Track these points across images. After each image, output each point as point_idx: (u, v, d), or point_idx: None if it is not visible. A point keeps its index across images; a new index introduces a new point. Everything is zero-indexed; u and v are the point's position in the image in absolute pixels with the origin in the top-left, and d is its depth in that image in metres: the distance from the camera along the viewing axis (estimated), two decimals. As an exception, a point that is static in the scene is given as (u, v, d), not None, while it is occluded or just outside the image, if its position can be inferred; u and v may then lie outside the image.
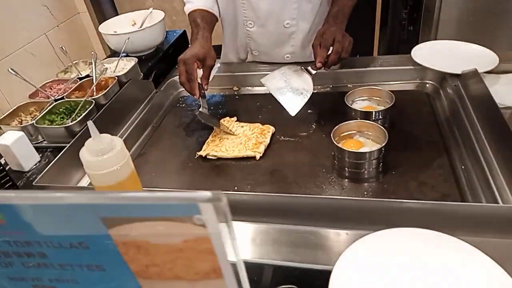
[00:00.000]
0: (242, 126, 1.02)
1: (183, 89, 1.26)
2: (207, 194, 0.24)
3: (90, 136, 0.59)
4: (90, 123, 0.58)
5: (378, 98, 1.00)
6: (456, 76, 1.01)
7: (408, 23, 2.08)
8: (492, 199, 0.70)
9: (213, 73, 1.06)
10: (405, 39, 2.12)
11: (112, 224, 0.26)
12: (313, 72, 1.00)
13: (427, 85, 1.10)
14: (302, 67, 1.03)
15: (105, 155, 0.59)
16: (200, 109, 1.04)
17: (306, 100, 0.97)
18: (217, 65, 1.10)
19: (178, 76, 1.01)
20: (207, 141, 0.98)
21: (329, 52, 0.98)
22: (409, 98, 1.06)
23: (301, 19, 1.18)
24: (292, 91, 1.00)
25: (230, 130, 1.00)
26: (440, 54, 1.11)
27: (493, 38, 1.90)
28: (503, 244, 0.58)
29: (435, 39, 1.94)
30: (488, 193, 0.72)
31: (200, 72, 1.02)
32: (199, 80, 1.01)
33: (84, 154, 0.60)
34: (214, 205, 0.24)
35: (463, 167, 0.81)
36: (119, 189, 0.62)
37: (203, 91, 1.03)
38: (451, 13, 1.91)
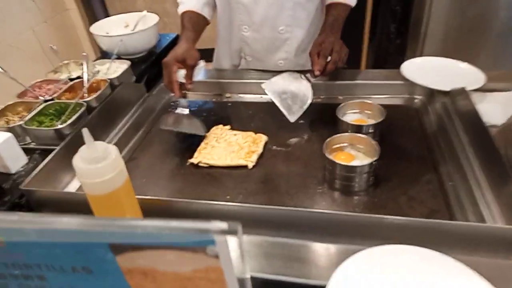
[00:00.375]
0: (235, 135, 1.02)
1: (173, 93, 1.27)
2: (223, 225, 0.24)
3: (81, 139, 0.58)
4: (85, 130, 0.57)
5: (369, 112, 1.02)
6: (444, 93, 1.04)
7: (396, 37, 2.13)
8: (479, 216, 0.72)
9: (198, 72, 1.07)
10: (392, 52, 2.16)
11: (120, 251, 0.25)
12: (312, 80, 1.03)
13: (416, 100, 1.12)
14: (302, 75, 1.05)
15: (100, 163, 0.58)
16: (177, 110, 1.04)
17: (305, 107, 1.00)
18: (201, 64, 1.11)
19: None
20: (198, 148, 0.98)
21: (327, 60, 1.01)
22: (398, 113, 1.08)
23: (296, 26, 1.19)
24: (292, 98, 1.04)
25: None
26: (429, 71, 1.13)
27: (476, 55, 1.96)
28: (494, 264, 0.60)
29: (422, 53, 2.00)
30: (475, 210, 0.74)
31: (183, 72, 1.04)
32: (183, 80, 1.03)
33: (78, 161, 0.59)
34: (230, 237, 0.24)
35: (450, 183, 0.83)
36: (112, 198, 0.61)
37: (184, 92, 1.04)
38: (438, 29, 1.96)
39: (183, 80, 1.03)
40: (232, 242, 0.25)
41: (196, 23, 1.14)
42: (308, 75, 1.04)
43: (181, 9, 1.16)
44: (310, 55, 1.04)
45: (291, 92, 1.03)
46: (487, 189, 0.76)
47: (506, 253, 0.63)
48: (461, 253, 0.62)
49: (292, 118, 0.99)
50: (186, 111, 1.04)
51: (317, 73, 1.01)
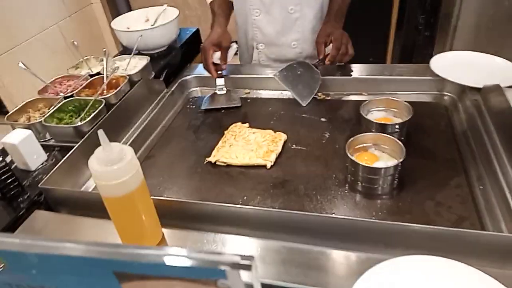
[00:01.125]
0: (254, 133, 0.99)
1: (194, 89, 1.26)
2: (236, 258, 0.22)
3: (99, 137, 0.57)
4: (100, 132, 0.56)
5: (395, 110, 0.97)
6: (476, 90, 0.98)
7: (425, 29, 2.03)
8: (511, 225, 0.67)
9: (231, 54, 1.16)
10: (420, 44, 2.07)
11: (126, 279, 0.24)
12: (319, 68, 1.12)
13: (445, 98, 1.06)
14: (310, 63, 1.12)
15: (115, 165, 0.57)
16: (216, 91, 1.16)
17: (315, 91, 1.09)
18: (234, 46, 1.17)
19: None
20: (216, 147, 0.96)
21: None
22: (426, 110, 1.03)
23: (305, 5, 1.21)
24: (303, 84, 1.11)
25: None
26: (460, 66, 1.07)
27: (510, 49, 1.85)
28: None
29: (452, 47, 1.91)
30: (508, 218, 0.69)
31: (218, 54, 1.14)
32: (218, 62, 1.14)
33: (93, 163, 0.58)
34: (243, 271, 0.22)
35: (481, 187, 0.78)
36: (128, 200, 0.60)
37: (220, 72, 1.16)
38: (470, 20, 1.86)
39: (219, 62, 1.14)
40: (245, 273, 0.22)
41: (226, 9, 1.23)
42: (316, 62, 1.12)
43: None
44: (316, 44, 1.14)
45: (301, 78, 1.10)
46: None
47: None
48: (491, 265, 0.58)
49: (304, 102, 1.08)
50: (223, 91, 1.17)
51: (327, 62, 1.12)
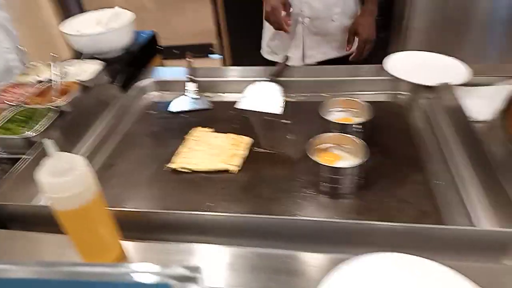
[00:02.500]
0: (217, 137, 0.97)
1: (153, 93, 1.23)
2: (182, 271, 0.20)
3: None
4: (46, 142, 0.52)
5: (355, 110, 0.99)
6: (430, 88, 1.02)
7: (379, 30, 2.10)
8: (467, 217, 0.70)
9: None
10: (375, 46, 2.14)
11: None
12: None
13: (401, 97, 1.10)
14: (266, 80, 1.11)
15: (66, 176, 0.53)
16: (186, 94, 1.15)
17: (282, 96, 1.05)
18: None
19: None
20: (178, 152, 0.93)
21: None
22: (383, 110, 1.05)
23: None
24: (266, 97, 1.05)
25: None
26: (413, 65, 1.11)
27: (460, 48, 1.96)
28: (485, 269, 0.58)
29: (405, 47, 1.99)
30: (463, 211, 0.72)
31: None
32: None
33: (41, 175, 0.53)
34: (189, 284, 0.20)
35: (438, 182, 0.81)
36: (83, 213, 0.56)
37: (191, 76, 1.19)
38: (421, 22, 1.95)
39: None
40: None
41: None
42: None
43: None
44: (349, 32, 1.31)
45: (263, 95, 1.06)
46: (474, 188, 0.74)
47: (497, 257, 0.61)
48: (452, 258, 0.59)
49: (278, 110, 1.01)
50: (194, 94, 1.16)
51: (352, 58, 1.31)
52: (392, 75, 1.07)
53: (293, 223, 0.66)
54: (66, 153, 0.55)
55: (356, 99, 0.99)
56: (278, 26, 1.20)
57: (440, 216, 0.73)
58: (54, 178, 0.53)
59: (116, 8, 1.35)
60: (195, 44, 3.13)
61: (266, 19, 1.24)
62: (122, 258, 0.63)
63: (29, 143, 0.86)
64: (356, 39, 1.33)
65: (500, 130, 0.82)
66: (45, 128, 0.88)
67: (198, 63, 1.29)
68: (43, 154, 0.53)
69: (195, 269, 0.22)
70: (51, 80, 1.06)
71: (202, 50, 3.21)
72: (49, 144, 0.53)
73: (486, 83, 1.04)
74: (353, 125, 0.92)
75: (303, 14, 1.32)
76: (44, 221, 0.69)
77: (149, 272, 0.22)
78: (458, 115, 0.88)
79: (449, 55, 1.13)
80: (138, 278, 0.21)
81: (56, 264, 0.22)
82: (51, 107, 0.94)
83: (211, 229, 0.68)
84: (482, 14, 1.94)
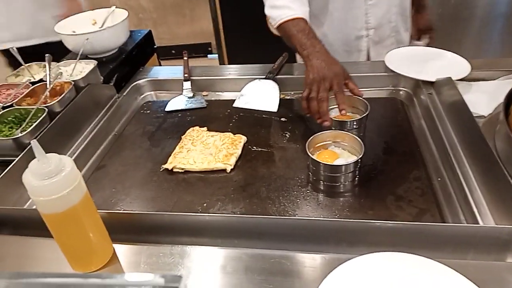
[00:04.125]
0: (212, 136, 0.95)
1: (148, 93, 1.21)
2: (160, 281, 0.18)
3: (43, 148, 0.51)
4: (34, 143, 0.51)
5: (353, 106, 0.97)
6: (430, 83, 1.00)
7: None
8: (470, 214, 0.68)
9: None
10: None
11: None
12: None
13: (401, 92, 1.08)
14: (259, 79, 1.10)
15: (53, 178, 0.51)
16: (183, 93, 1.14)
17: (278, 92, 1.04)
18: None
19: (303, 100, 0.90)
20: (173, 152, 0.91)
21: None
22: (383, 106, 1.04)
23: None
24: (263, 95, 1.06)
25: None
26: (414, 61, 1.09)
27: (461, 43, 1.94)
28: (485, 266, 0.56)
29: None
30: (465, 208, 0.70)
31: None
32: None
33: (28, 178, 0.52)
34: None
35: (439, 179, 0.79)
36: (70, 216, 0.54)
37: (187, 75, 1.17)
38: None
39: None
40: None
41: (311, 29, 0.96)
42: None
43: (285, 15, 0.96)
44: (423, 28, 1.34)
45: (259, 93, 1.06)
46: (476, 184, 0.72)
47: (498, 254, 0.59)
48: (452, 256, 0.58)
49: (274, 108, 1.01)
50: (190, 94, 1.14)
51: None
52: (393, 71, 1.05)
53: (288, 223, 0.64)
54: (53, 154, 0.53)
55: (353, 96, 0.96)
56: (315, 113, 0.88)
57: (442, 213, 0.71)
58: (38, 180, 0.51)
59: (112, 7, 1.33)
60: (193, 44, 3.11)
61: (303, 101, 0.90)
62: (113, 262, 0.61)
63: (19, 144, 0.84)
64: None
65: (502, 125, 0.80)
66: (34, 128, 0.86)
67: (196, 63, 1.28)
68: (32, 156, 0.51)
69: (176, 279, 0.20)
70: (42, 80, 1.04)
71: (200, 50, 3.20)
72: (36, 145, 0.51)
73: (487, 78, 1.02)
74: (351, 122, 0.90)
75: (368, 26, 1.19)
76: (36, 225, 0.67)
77: (123, 283, 0.20)
78: (459, 110, 0.86)
79: (450, 50, 1.10)
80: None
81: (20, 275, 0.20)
82: (42, 107, 0.92)
83: (205, 230, 0.66)
84: (483, 9, 1.91)
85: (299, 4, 1.00)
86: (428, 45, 1.33)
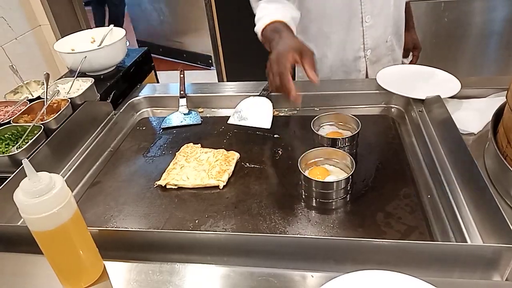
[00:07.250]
0: (206, 152, 0.97)
1: (145, 110, 1.22)
2: None
3: (38, 165, 0.53)
4: (25, 162, 0.52)
5: (344, 124, 0.98)
6: (421, 101, 1.02)
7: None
8: (458, 232, 0.68)
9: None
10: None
11: None
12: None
13: (393, 110, 1.09)
14: (253, 96, 1.10)
15: (43, 196, 0.53)
16: (179, 110, 1.16)
17: (271, 110, 1.04)
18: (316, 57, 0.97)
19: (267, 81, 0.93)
20: (167, 169, 0.93)
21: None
22: (375, 123, 1.05)
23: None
24: (257, 112, 1.05)
25: None
26: (405, 79, 1.11)
27: (455, 62, 1.96)
28: (476, 286, 0.56)
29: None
30: (454, 225, 0.70)
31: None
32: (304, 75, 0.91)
33: (19, 196, 0.53)
34: None
35: (429, 196, 0.80)
36: (60, 233, 0.55)
37: (183, 92, 1.19)
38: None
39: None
40: None
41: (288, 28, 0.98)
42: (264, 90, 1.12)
43: (264, 22, 1.00)
44: (408, 48, 1.36)
45: (252, 110, 1.06)
46: (464, 202, 0.72)
47: (483, 273, 0.59)
48: (438, 274, 0.59)
49: (267, 125, 1.00)
50: (186, 111, 1.16)
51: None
52: (384, 89, 1.06)
53: (276, 241, 0.65)
54: (44, 172, 0.55)
55: (343, 113, 0.98)
56: (283, 89, 0.88)
57: (430, 231, 0.72)
58: (29, 198, 0.52)
59: (111, 26, 1.36)
60: (195, 52, 3.10)
61: (267, 72, 0.92)
62: (103, 279, 0.62)
63: (14, 161, 0.86)
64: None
65: (491, 143, 0.81)
66: (30, 145, 0.88)
67: (201, 74, 1.30)
68: (23, 173, 0.53)
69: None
70: (41, 97, 1.06)
71: (204, 61, 3.18)
72: (27, 164, 0.52)
73: (478, 95, 1.03)
74: (343, 139, 0.92)
75: (365, 47, 1.21)
76: (30, 242, 0.67)
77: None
78: (449, 128, 0.87)
79: (444, 68, 1.12)
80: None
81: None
82: (38, 124, 0.93)
83: (194, 248, 0.66)
84: (477, 28, 1.94)
85: (281, 11, 1.03)
86: (411, 63, 1.41)
